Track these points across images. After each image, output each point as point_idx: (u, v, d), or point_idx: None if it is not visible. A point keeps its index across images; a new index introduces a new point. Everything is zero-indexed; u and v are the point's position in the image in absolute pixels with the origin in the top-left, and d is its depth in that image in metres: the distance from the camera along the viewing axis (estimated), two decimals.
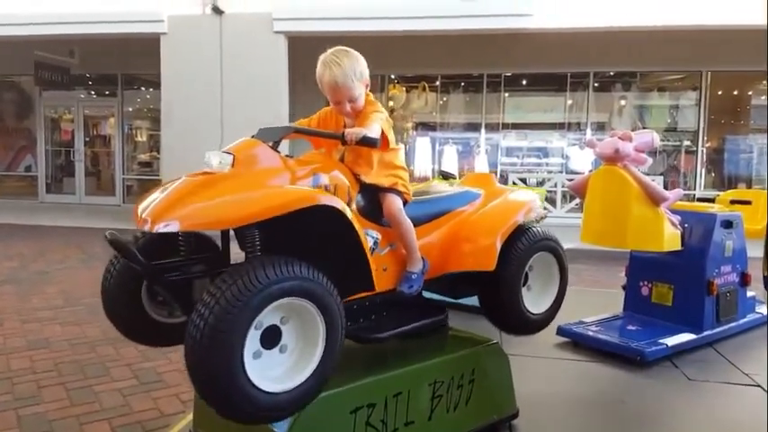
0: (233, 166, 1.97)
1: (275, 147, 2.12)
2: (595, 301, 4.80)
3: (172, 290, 2.16)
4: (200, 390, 1.81)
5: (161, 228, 1.76)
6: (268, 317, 1.84)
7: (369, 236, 2.27)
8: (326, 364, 1.96)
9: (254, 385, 1.79)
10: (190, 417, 2.83)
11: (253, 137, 2.16)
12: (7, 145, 14.99)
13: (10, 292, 5.74)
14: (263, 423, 1.98)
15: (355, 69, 2.31)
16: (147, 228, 1.78)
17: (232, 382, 1.74)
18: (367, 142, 2.18)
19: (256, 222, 1.85)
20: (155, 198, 1.91)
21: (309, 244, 2.02)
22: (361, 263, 2.13)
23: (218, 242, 2.30)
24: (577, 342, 3.95)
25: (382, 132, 2.28)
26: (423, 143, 13.14)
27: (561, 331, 3.99)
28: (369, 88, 2.41)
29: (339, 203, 1.99)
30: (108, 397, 3.32)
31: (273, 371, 1.90)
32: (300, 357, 1.95)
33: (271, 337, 1.89)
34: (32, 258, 7.61)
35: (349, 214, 2.03)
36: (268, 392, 1.83)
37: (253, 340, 1.80)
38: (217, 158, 1.99)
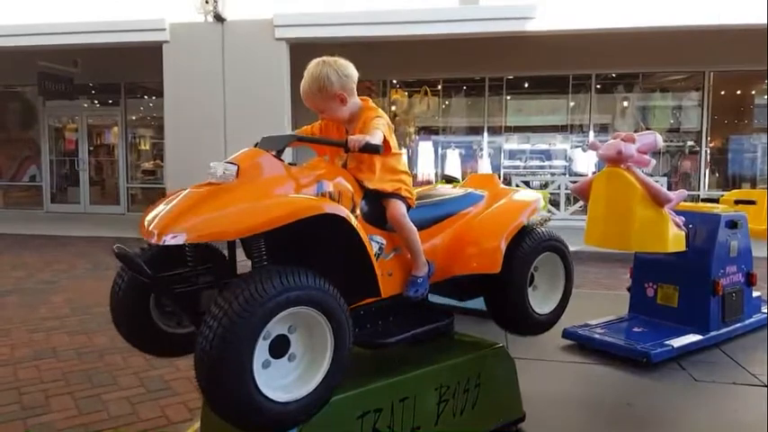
0: (237, 176, 1.98)
1: (279, 155, 2.14)
2: (601, 304, 4.80)
3: (180, 301, 2.17)
4: (210, 400, 1.82)
5: (168, 240, 1.77)
6: (276, 327, 1.85)
7: (373, 241, 2.28)
8: (335, 372, 1.98)
9: (263, 395, 1.80)
10: (197, 425, 2.84)
11: (256, 146, 2.17)
12: (12, 155, 15.05)
13: (16, 302, 5.76)
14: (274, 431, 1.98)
15: (312, 87, 2.34)
16: (153, 240, 1.80)
17: (242, 392, 1.75)
18: (369, 149, 2.18)
19: (262, 232, 1.86)
20: (161, 210, 1.92)
21: (315, 252, 2.04)
22: (367, 269, 2.14)
23: (225, 252, 2.31)
24: (583, 345, 3.95)
25: (384, 138, 2.29)
26: (425, 147, 13.13)
27: (567, 334, 3.98)
28: (346, 101, 2.37)
29: (344, 211, 2.00)
30: (116, 405, 3.33)
31: (282, 380, 1.91)
32: (309, 366, 1.97)
33: (279, 347, 1.90)
34: (38, 268, 7.63)
35: (354, 221, 2.04)
36: (277, 402, 1.84)
37: (261, 350, 1.81)
38: (221, 169, 2.00)
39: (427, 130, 13.59)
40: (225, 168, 2.00)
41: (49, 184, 14.46)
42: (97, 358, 4.11)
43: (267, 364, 1.86)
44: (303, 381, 1.94)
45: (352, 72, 2.40)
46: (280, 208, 1.89)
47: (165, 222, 1.82)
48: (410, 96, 13.52)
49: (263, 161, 2.07)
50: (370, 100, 2.51)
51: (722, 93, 12.52)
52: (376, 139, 2.22)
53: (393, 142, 2.41)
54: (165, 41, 10.38)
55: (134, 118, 14.46)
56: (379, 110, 2.45)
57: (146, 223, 1.90)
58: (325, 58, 2.38)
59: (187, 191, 1.99)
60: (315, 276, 1.89)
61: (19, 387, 3.59)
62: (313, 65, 2.36)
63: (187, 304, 2.17)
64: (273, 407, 1.83)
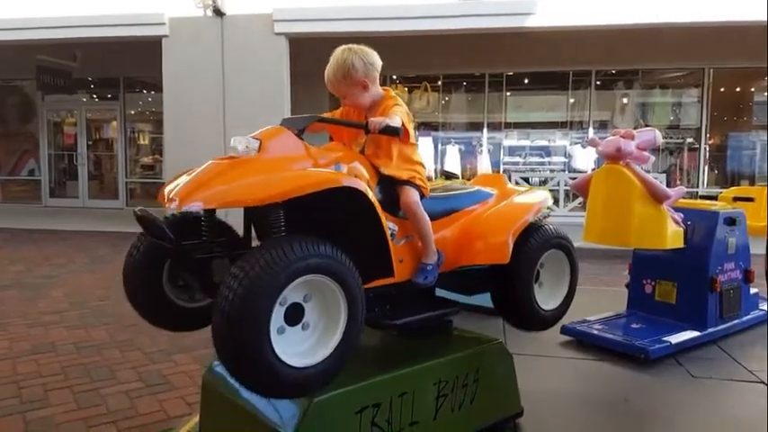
0: (259, 151, 2.03)
1: (299, 135, 2.18)
2: (599, 300, 4.81)
3: (195, 270, 2.19)
4: (227, 361, 1.84)
5: (189, 206, 1.82)
6: (292, 294, 1.88)
7: None
8: (347, 344, 2.01)
9: (279, 358, 1.83)
10: (196, 419, 2.84)
11: (278, 125, 2.21)
12: (10, 149, 15.02)
13: (15, 297, 5.76)
14: (286, 398, 2.03)
15: (337, 74, 2.40)
16: (174, 206, 1.84)
17: (259, 354, 1.78)
18: (389, 131, 2.24)
19: (281, 203, 1.91)
20: (182, 180, 1.97)
21: (332, 228, 2.06)
22: (382, 247, 2.18)
23: (239, 232, 2.37)
24: (581, 340, 3.96)
25: (403, 124, 2.33)
26: (425, 143, 13.13)
27: (565, 330, 3.99)
28: (368, 88, 2.45)
29: (362, 185, 2.05)
30: (114, 400, 3.34)
31: (296, 347, 1.94)
32: (322, 335, 2.00)
33: (294, 315, 1.93)
34: (37, 262, 7.63)
35: (371, 196, 2.08)
36: (292, 366, 1.87)
37: (277, 316, 1.85)
38: (243, 143, 2.06)
39: (427, 126, 13.58)
40: (248, 143, 2.05)
41: (48, 179, 14.44)
42: (96, 352, 4.12)
43: (282, 330, 1.89)
44: (315, 349, 1.97)
45: (377, 60, 2.47)
46: (299, 179, 1.95)
47: (186, 190, 1.87)
48: (410, 92, 13.51)
49: (285, 138, 2.13)
50: (392, 90, 2.56)
51: (722, 90, 12.53)
52: (395, 122, 2.27)
53: (411, 131, 2.46)
54: (165, 36, 10.36)
55: (133, 112, 14.45)
56: (400, 99, 2.51)
57: (166, 192, 1.95)
58: (351, 45, 2.44)
59: (209, 162, 2.04)
60: (333, 247, 1.93)
61: (18, 381, 3.60)
62: (339, 51, 2.42)
63: (202, 274, 2.19)
64: (288, 371, 1.86)
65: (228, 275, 1.78)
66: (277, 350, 1.82)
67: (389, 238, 2.21)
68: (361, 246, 2.11)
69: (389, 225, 2.33)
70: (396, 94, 2.54)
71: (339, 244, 1.98)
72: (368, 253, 2.16)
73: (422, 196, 2.46)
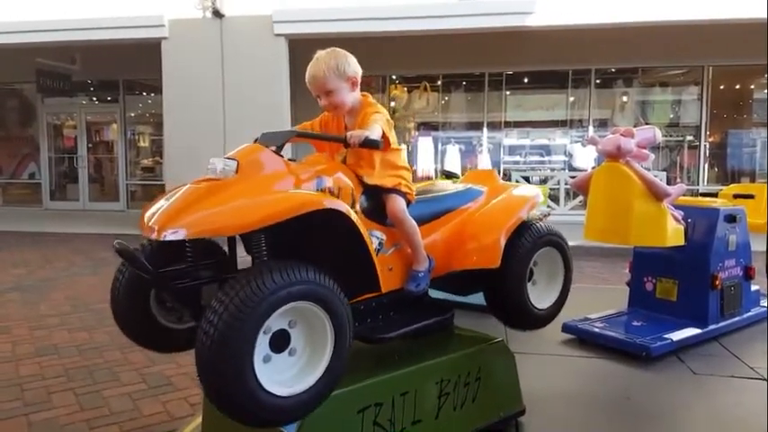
0: (237, 171, 1.98)
1: (278, 151, 2.13)
2: (600, 298, 4.81)
3: (180, 296, 2.17)
4: (211, 395, 1.82)
5: (168, 236, 1.77)
6: (276, 321, 1.85)
7: (373, 237, 2.29)
8: (335, 367, 1.98)
9: (264, 389, 1.80)
10: (199, 420, 2.85)
11: (256, 141, 2.17)
12: (11, 153, 15.04)
13: (17, 300, 5.77)
14: (274, 426, 1.99)
15: (330, 64, 2.35)
16: (154, 236, 1.80)
17: (243, 387, 1.76)
18: (369, 144, 2.19)
19: (262, 228, 1.86)
20: (160, 206, 1.92)
21: (316, 247, 2.04)
22: (367, 264, 2.15)
23: (225, 247, 2.31)
24: (583, 339, 3.96)
25: (383, 133, 2.29)
26: (425, 143, 13.13)
27: (566, 328, 3.99)
28: (356, 87, 2.42)
29: (343, 207, 2.01)
30: (117, 401, 3.34)
31: (283, 374, 1.91)
32: (310, 360, 1.97)
33: (280, 342, 1.90)
34: (38, 265, 7.64)
35: (354, 217, 2.04)
36: (278, 396, 1.84)
37: (262, 345, 1.82)
38: (221, 164, 2.00)
39: (427, 126, 13.59)
40: (225, 164, 2.00)
41: (49, 182, 14.46)
42: (98, 354, 4.13)
43: (268, 358, 1.86)
44: (304, 375, 1.94)
45: (360, 69, 2.45)
46: (279, 203, 1.90)
47: (164, 218, 1.82)
48: (410, 92, 13.52)
49: (263, 157, 2.07)
50: (370, 96, 2.52)
51: (721, 87, 12.53)
52: (375, 134, 2.22)
53: (392, 138, 2.41)
54: (164, 38, 10.37)
55: (133, 115, 14.46)
56: (379, 105, 2.46)
57: (146, 219, 1.90)
58: (335, 48, 2.42)
59: (186, 186, 1.99)
60: (315, 271, 1.89)
61: (21, 383, 3.61)
62: (325, 51, 2.40)
63: (188, 299, 2.16)
64: (274, 401, 1.83)
65: (209, 309, 1.75)
66: (262, 380, 1.79)
67: (375, 251, 2.18)
68: (346, 261, 2.09)
69: (377, 234, 2.31)
70: (374, 101, 2.49)
71: (323, 261, 1.95)
72: (353, 268, 2.13)
73: (408, 203, 2.43)
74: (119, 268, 2.29)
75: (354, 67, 2.40)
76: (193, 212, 1.83)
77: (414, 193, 2.51)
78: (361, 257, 2.13)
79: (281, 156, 2.14)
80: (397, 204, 2.36)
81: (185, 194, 1.93)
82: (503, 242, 2.57)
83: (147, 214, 1.93)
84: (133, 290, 2.24)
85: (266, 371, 1.83)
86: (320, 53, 2.39)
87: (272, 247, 2.00)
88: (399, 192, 2.40)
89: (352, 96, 2.42)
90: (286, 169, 2.10)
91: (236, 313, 1.71)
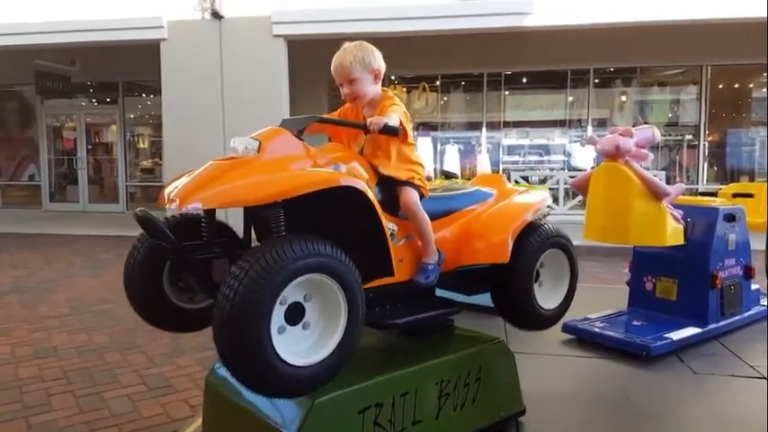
0: (258, 151, 2.05)
1: (299, 136, 2.19)
2: (600, 298, 4.80)
3: (195, 270, 2.20)
4: (227, 359, 1.84)
5: (189, 207, 1.83)
6: (292, 293, 1.89)
7: None
8: (347, 343, 2.01)
9: (279, 357, 1.83)
10: (199, 421, 2.85)
11: (278, 126, 2.23)
12: (10, 154, 15.04)
13: (16, 301, 5.77)
14: (287, 397, 2.03)
15: (357, 55, 2.42)
16: (174, 207, 1.85)
17: (260, 353, 1.78)
18: (388, 131, 2.26)
19: (281, 202, 1.93)
20: (182, 181, 1.98)
21: (332, 228, 2.06)
22: (381, 246, 2.19)
23: (240, 234, 2.38)
24: (583, 338, 3.96)
25: (401, 123, 2.35)
26: (424, 143, 13.09)
27: (566, 328, 3.99)
28: (378, 80, 2.49)
29: (361, 185, 2.06)
30: (117, 403, 3.34)
31: (297, 346, 1.94)
32: (322, 335, 2.00)
33: (295, 315, 1.94)
34: (38, 267, 7.64)
35: (370, 195, 2.09)
36: (294, 365, 1.87)
37: (278, 315, 1.85)
38: (243, 144, 2.08)
39: (426, 126, 13.59)
40: (247, 143, 2.07)
41: (48, 183, 14.46)
42: (97, 356, 4.12)
43: (282, 329, 1.89)
44: (316, 349, 1.97)
45: (384, 65, 2.52)
46: (296, 179, 1.96)
47: (186, 191, 1.88)
48: (408, 92, 13.52)
49: (284, 139, 2.14)
50: (390, 91, 2.58)
51: (720, 86, 12.54)
52: (394, 121, 2.29)
53: (410, 130, 2.48)
54: (163, 39, 10.37)
55: (132, 116, 14.46)
56: (397, 99, 2.52)
57: (166, 193, 1.96)
58: (363, 42, 2.48)
59: (209, 163, 2.05)
60: (333, 246, 1.94)
61: (20, 386, 3.61)
62: (356, 42, 2.47)
63: (202, 274, 2.19)
64: (289, 370, 1.86)
65: (229, 275, 1.78)
66: (278, 349, 1.82)
67: (389, 237, 2.22)
68: (362, 245, 2.12)
69: (389, 225, 2.34)
70: (394, 95, 2.55)
71: (339, 243, 1.99)
72: (368, 252, 2.16)
73: (421, 196, 2.47)
74: (134, 244, 2.30)
75: (380, 61, 2.47)
76: (214, 186, 1.89)
77: (427, 188, 2.56)
78: (375, 238, 2.17)
79: (302, 140, 2.19)
80: (411, 196, 2.40)
81: (207, 170, 2.00)
82: (510, 241, 2.61)
83: (168, 189, 1.98)
84: (147, 265, 2.26)
85: (281, 341, 1.85)
86: (348, 44, 2.46)
87: (289, 227, 2.04)
88: (413, 184, 2.45)
89: (373, 89, 2.48)
90: (305, 153, 2.16)
91: (256, 278, 1.75)
